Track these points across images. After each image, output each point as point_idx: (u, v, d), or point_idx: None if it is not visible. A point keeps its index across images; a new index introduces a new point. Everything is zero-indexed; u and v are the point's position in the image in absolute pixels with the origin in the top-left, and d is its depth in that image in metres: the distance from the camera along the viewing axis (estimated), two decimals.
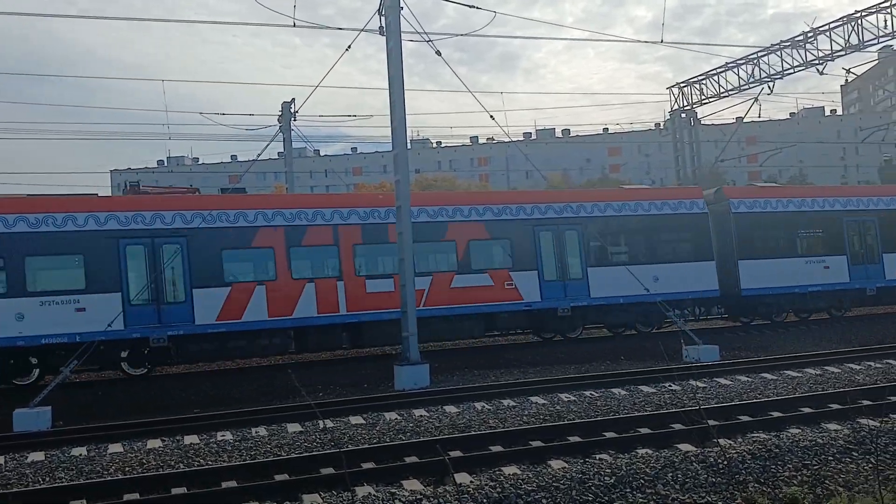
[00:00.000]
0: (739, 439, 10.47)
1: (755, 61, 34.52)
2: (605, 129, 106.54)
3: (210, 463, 10.75)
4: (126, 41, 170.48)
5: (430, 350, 21.70)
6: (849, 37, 30.69)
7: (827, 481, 9.21)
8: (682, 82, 39.18)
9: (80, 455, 11.62)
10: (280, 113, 29.55)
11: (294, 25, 19.87)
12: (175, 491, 9.24)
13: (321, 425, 12.83)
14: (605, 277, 22.59)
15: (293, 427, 12.79)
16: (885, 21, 29.68)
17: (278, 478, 9.58)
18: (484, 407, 13.96)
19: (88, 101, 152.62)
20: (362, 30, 18.90)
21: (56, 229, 18.35)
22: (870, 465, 9.55)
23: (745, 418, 11.72)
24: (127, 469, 10.62)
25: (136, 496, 9.07)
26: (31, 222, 18.21)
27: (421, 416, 13.37)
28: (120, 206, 19.27)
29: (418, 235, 18.96)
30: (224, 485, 9.41)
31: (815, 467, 9.55)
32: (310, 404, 12.68)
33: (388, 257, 20.54)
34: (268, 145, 28.96)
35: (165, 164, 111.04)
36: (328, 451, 10.51)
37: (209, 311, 19.08)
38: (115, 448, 12.01)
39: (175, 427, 13.15)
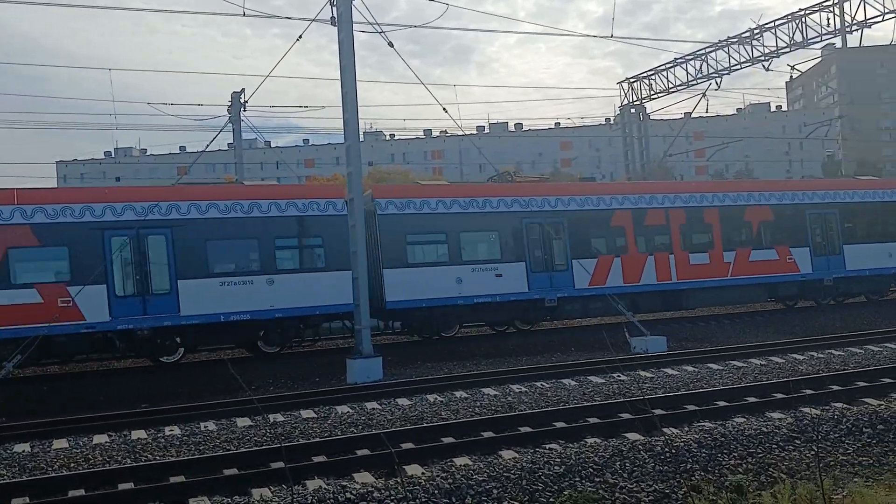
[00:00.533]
0: (686, 428, 10.65)
1: (703, 57, 35.08)
2: (557, 124, 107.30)
3: (158, 458, 10.59)
4: (72, 30, 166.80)
5: (384, 343, 21.65)
6: (793, 34, 31.36)
7: (771, 469, 9.42)
8: (632, 77, 39.65)
9: (24, 452, 11.36)
10: (230, 103, 29.12)
11: (244, 15, 19.59)
12: (122, 486, 9.08)
13: (271, 420, 12.73)
14: None
15: (243, 422, 12.66)
16: (828, 19, 30.37)
17: (227, 472, 9.48)
18: (436, 399, 13.99)
19: (33, 90, 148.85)
20: (313, 20, 18.75)
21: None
22: (812, 453, 9.80)
23: (691, 407, 11.93)
24: (72, 465, 10.41)
25: (81, 492, 8.88)
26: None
27: (373, 408, 13.35)
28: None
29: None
30: (172, 480, 9.28)
31: (760, 455, 9.76)
32: (251, 399, 12.51)
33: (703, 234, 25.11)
34: (216, 136, 28.56)
35: (113, 154, 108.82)
36: (280, 445, 10.42)
37: None
38: (60, 444, 11.76)
39: (122, 422, 12.93)
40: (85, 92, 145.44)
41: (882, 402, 11.76)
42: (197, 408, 13.93)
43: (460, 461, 9.45)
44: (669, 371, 15.92)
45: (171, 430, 12.32)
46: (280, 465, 9.53)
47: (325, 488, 8.50)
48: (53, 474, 9.90)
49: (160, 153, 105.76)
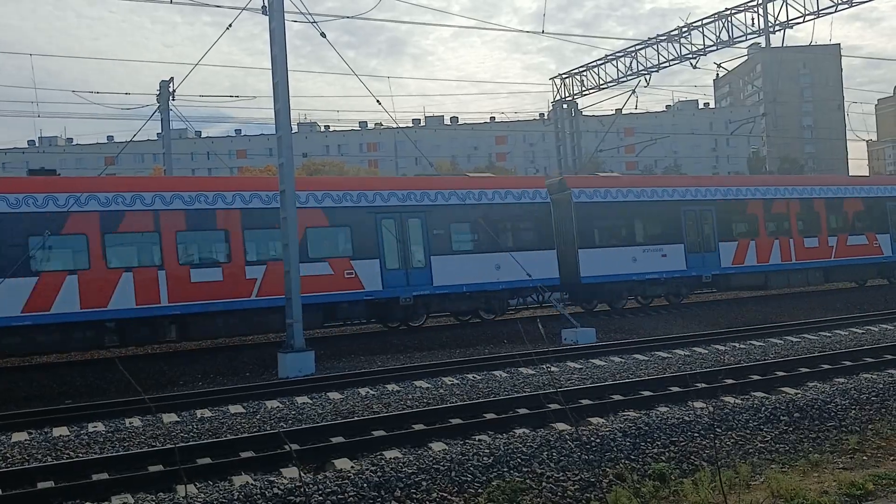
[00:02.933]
0: (612, 418, 10.87)
1: (633, 54, 35.72)
2: (492, 118, 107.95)
3: (81, 455, 10.33)
4: None
5: (316, 337, 21.52)
6: (720, 33, 32.19)
7: (693, 457, 9.68)
8: (564, 73, 40.13)
9: None
10: (158, 92, 28.50)
11: (172, 2, 19.19)
12: (41, 485, 8.83)
13: (198, 415, 12.55)
14: None
15: (169, 417, 12.44)
16: (753, 19, 31.28)
17: (152, 469, 9.31)
18: (368, 392, 13.97)
19: None
20: (244, 8, 18.51)
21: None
22: (732, 441, 10.12)
23: (617, 397, 12.19)
24: None
25: None
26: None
27: (304, 403, 13.26)
28: None
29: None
30: (95, 477, 9.07)
31: (682, 443, 10.01)
32: (174, 395, 12.20)
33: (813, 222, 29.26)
34: (144, 125, 28.11)
35: (37, 143, 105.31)
36: (204, 442, 10.30)
37: None
38: None
39: (43, 419, 12.56)
40: (4, 78, 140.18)
41: (799, 391, 12.19)
42: (122, 403, 13.62)
43: (390, 454, 9.46)
44: (597, 362, 16.22)
45: (95, 427, 12.02)
46: (207, 460, 9.44)
47: (251, 483, 8.42)
48: None
49: (87, 143, 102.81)
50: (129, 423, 12.22)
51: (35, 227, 17.76)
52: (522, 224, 23.97)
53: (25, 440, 11.37)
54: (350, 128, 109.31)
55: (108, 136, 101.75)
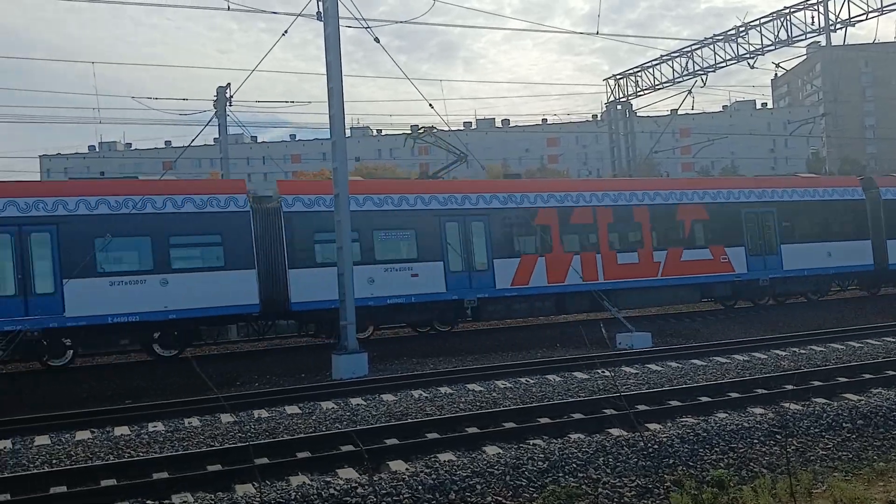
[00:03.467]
0: (669, 424, 10.71)
1: (689, 54, 35.24)
2: (544, 120, 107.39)
3: (141, 454, 10.55)
4: (52, 22, 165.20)
5: (369, 339, 21.65)
6: (778, 32, 31.57)
7: (752, 463, 9.50)
8: (618, 74, 39.77)
9: (5, 448, 11.28)
10: (215, 98, 29.02)
11: (228, 9, 19.55)
12: (104, 483, 9.05)
13: (255, 415, 12.72)
14: None
15: (227, 418, 12.63)
16: (813, 17, 30.61)
17: (211, 468, 9.47)
18: (421, 395, 14.00)
19: (13, 84, 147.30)
20: (299, 14, 18.73)
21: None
22: (792, 448, 9.89)
23: (674, 403, 12.00)
24: (54, 462, 10.36)
25: (63, 489, 8.85)
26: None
27: (358, 404, 13.35)
28: None
29: None
30: (155, 476, 9.26)
31: (741, 450, 9.83)
32: (218, 397, 12.31)
33: None
34: (201, 130, 28.63)
35: (97, 149, 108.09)
36: (261, 441, 10.43)
37: None
38: (42, 440, 11.70)
39: (105, 418, 12.87)
40: (67, 85, 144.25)
41: (862, 398, 11.87)
42: (181, 403, 13.88)
43: (444, 457, 9.46)
44: (653, 367, 15.99)
45: (155, 427, 12.28)
46: (265, 460, 9.56)
47: (308, 483, 8.50)
48: (35, 471, 9.84)
49: (145, 147, 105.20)
50: (188, 423, 12.44)
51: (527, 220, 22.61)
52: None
53: (88, 439, 11.65)
54: (402, 131, 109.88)
55: (165, 141, 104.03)
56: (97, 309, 17.88)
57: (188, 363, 19.24)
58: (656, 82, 37.30)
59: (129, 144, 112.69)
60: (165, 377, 18.14)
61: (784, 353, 17.11)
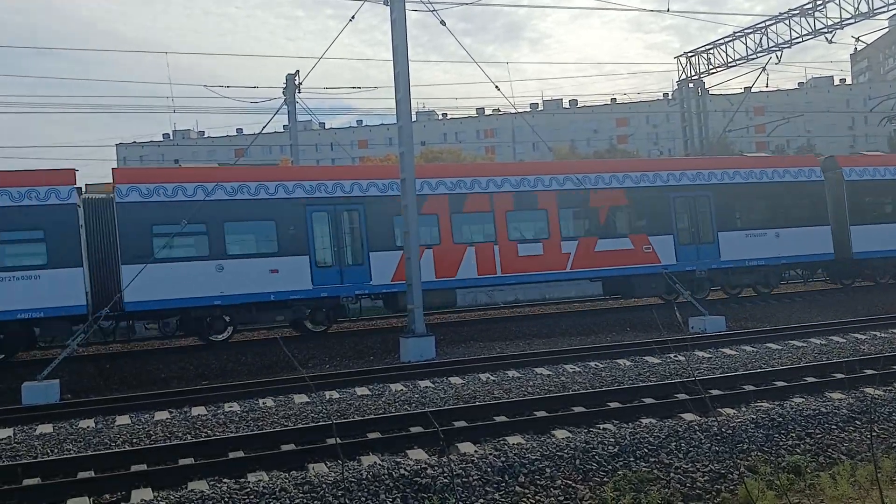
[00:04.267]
0: (743, 409, 10.50)
1: (763, 30, 34.14)
2: (613, 100, 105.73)
3: (218, 434, 10.84)
4: (125, 13, 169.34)
5: (435, 322, 21.76)
6: (858, 4, 30.29)
7: (830, 450, 9.24)
8: (690, 52, 38.80)
9: (88, 427, 11.73)
10: (284, 85, 29.40)
11: None
12: (182, 462, 9.33)
13: (327, 396, 12.92)
14: None
15: (300, 398, 12.87)
16: None
17: (285, 448, 9.67)
18: (489, 378, 14.02)
19: (89, 74, 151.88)
20: (366, 0, 18.75)
21: None
22: (874, 434, 9.58)
23: (749, 388, 11.75)
24: (135, 441, 10.72)
25: (143, 467, 9.15)
26: None
27: (426, 387, 13.44)
28: None
29: None
30: (231, 455, 9.50)
31: (819, 436, 9.58)
32: (304, 377, 12.67)
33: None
34: (272, 118, 28.83)
35: (171, 137, 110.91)
36: (336, 422, 10.57)
37: None
38: (123, 420, 12.12)
39: (182, 399, 13.26)
40: (142, 75, 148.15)
41: None
42: (255, 384, 14.21)
43: (513, 440, 9.47)
44: (727, 351, 15.68)
45: (231, 407, 12.59)
46: (338, 440, 9.71)
47: (379, 464, 8.60)
48: (117, 449, 10.21)
49: (217, 135, 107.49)
50: (263, 403, 12.72)
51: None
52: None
53: (167, 419, 12.02)
54: (467, 115, 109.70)
55: (237, 129, 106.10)
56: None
57: (262, 344, 19.73)
58: (729, 60, 36.26)
59: (203, 132, 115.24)
60: (238, 357, 18.58)
61: (864, 337, 16.57)
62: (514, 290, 21.62)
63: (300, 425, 10.91)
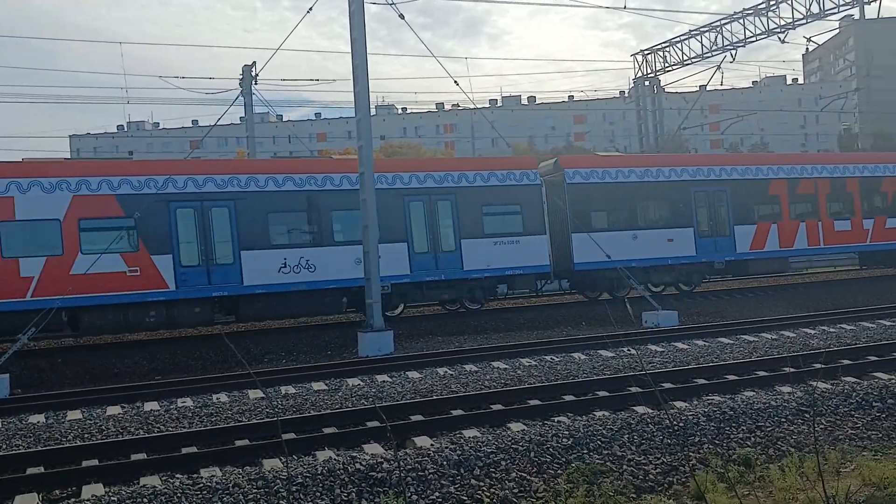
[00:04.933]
0: (695, 402, 10.66)
1: (718, 29, 34.68)
2: (571, 97, 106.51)
3: (171, 429, 10.71)
4: (80, 3, 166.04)
5: (395, 317, 21.74)
6: (810, 5, 30.93)
7: (779, 442, 9.42)
8: (646, 50, 39.26)
9: (38, 422, 11.51)
10: (241, 77, 29.07)
11: None
12: (134, 457, 9.19)
13: (283, 392, 12.84)
14: None
15: (254, 394, 12.77)
16: None
17: (239, 443, 9.58)
18: (446, 372, 14.05)
19: (44, 64, 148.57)
20: None
21: None
22: (821, 427, 9.80)
23: (700, 381, 11.94)
24: (86, 436, 10.54)
25: (94, 463, 9.01)
26: None
27: (384, 381, 13.43)
28: None
29: None
30: (184, 450, 9.39)
31: (768, 429, 9.76)
32: (259, 372, 12.57)
33: None
34: (227, 109, 28.39)
35: (125, 128, 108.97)
36: (282, 418, 10.53)
37: None
38: (74, 415, 11.91)
39: (135, 394, 13.07)
40: (96, 66, 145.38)
41: (892, 377, 11.71)
42: (209, 380, 14.06)
43: (469, 433, 9.50)
44: (680, 345, 15.91)
45: (184, 402, 12.44)
46: (292, 435, 9.66)
47: (334, 458, 8.58)
48: (68, 444, 10.03)
49: (172, 127, 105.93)
50: (217, 399, 12.59)
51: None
52: None
53: (119, 414, 11.84)
54: (427, 109, 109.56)
55: (192, 121, 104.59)
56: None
57: (218, 339, 19.52)
58: (685, 58, 36.76)
59: (157, 124, 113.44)
60: (192, 352, 18.37)
61: (813, 332, 16.94)
62: (830, 258, 27.53)
63: (254, 420, 10.83)
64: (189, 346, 18.92)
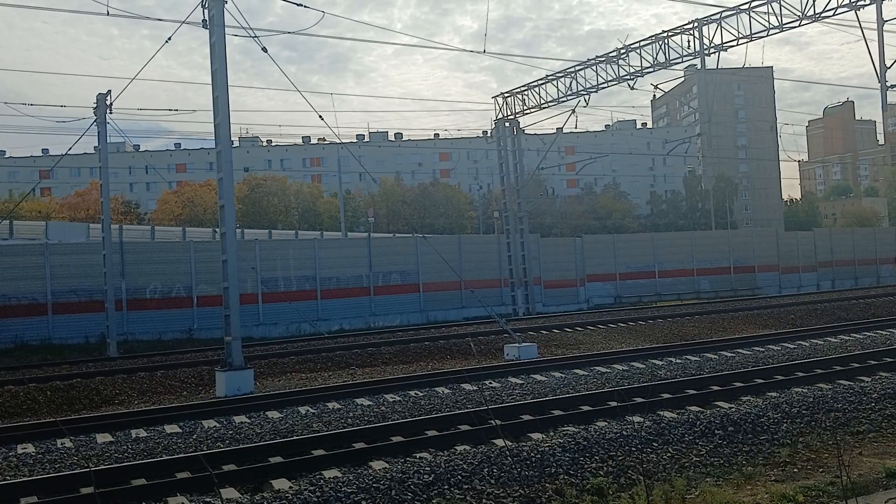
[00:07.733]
0: (552, 433, 10.96)
1: (573, 75, 36.22)
2: (436, 135, 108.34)
3: (8, 478, 9.98)
4: None
5: (256, 355, 21.21)
6: (657, 55, 32.84)
7: (630, 471, 9.79)
8: (506, 92, 40.48)
9: None
10: (95, 105, 27.87)
11: (108, 14, 18.85)
12: None
13: (133, 435, 12.25)
14: None
15: (102, 437, 12.11)
16: (689, 42, 32.01)
17: (84, 491, 9.05)
18: (308, 411, 13.83)
19: None
20: (184, 22, 18.28)
21: None
22: (668, 455, 10.28)
23: (557, 412, 12.29)
24: None
25: None
26: None
27: (242, 422, 13.05)
28: None
29: None
30: (24, 501, 8.78)
31: (620, 458, 10.13)
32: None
33: None
34: (80, 138, 27.24)
35: None
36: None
37: None
38: None
39: None
40: None
41: (733, 405, 12.46)
42: (52, 423, 13.21)
43: (329, 474, 9.38)
44: (539, 377, 16.34)
45: (25, 448, 11.65)
46: (142, 481, 9.21)
47: None
48: None
49: (20, 156, 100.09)
50: (62, 444, 11.86)
51: None
52: None
53: None
54: (293, 142, 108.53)
55: (42, 150, 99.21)
56: None
57: (67, 378, 18.38)
58: (542, 101, 38.14)
59: (3, 152, 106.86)
60: (33, 396, 17.22)
61: (661, 363, 17.79)
62: None
63: (102, 466, 10.26)
64: (32, 388, 17.72)
